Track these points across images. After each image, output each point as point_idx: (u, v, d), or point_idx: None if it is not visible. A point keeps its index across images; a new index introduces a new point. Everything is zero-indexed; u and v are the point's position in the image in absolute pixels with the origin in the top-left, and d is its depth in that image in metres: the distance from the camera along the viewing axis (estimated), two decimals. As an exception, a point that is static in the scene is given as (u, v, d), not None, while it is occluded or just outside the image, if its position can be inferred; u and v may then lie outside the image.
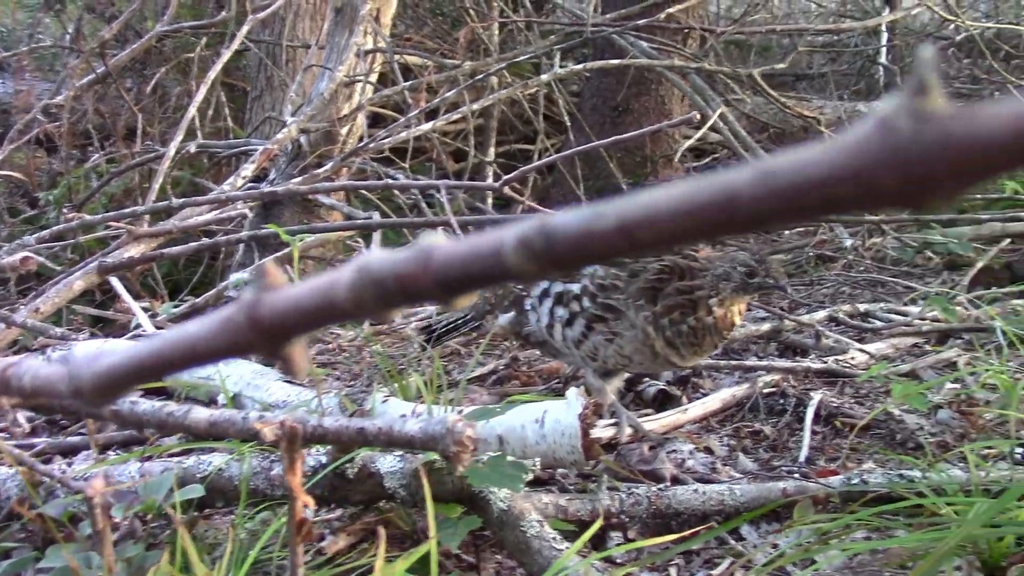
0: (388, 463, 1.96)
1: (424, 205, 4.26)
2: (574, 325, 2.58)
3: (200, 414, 1.27)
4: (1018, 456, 2.47)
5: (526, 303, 2.70)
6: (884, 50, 8.87)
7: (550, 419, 2.20)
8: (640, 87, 6.31)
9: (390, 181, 3.60)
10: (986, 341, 3.10)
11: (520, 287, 2.75)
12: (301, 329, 0.44)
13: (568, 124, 5.37)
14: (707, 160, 7.66)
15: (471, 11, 5.55)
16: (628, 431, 2.59)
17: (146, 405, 1.26)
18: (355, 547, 2.06)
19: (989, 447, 2.44)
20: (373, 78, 5.09)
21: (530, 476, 1.96)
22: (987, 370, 2.76)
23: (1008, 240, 4.19)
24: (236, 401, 2.67)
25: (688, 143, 4.70)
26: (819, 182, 0.33)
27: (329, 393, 2.48)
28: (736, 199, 0.34)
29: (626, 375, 2.79)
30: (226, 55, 4.52)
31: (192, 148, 4.17)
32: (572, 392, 2.21)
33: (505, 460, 1.88)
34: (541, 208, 3.12)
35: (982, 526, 1.95)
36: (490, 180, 4.98)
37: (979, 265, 3.82)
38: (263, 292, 0.44)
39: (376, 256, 0.42)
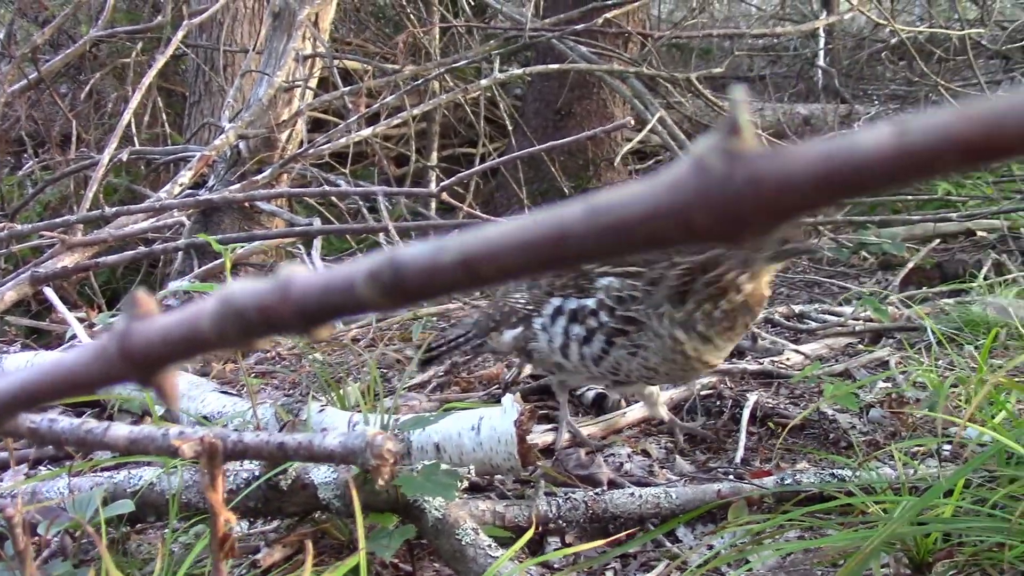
0: (322, 474, 1.95)
1: (365, 211, 4.23)
2: (593, 342, 2.51)
3: (119, 431, 1.25)
4: (946, 453, 2.52)
5: (535, 322, 2.65)
6: (822, 53, 9.02)
7: (486, 426, 2.20)
8: (582, 91, 6.34)
9: (327, 188, 3.58)
10: (917, 340, 3.17)
11: (527, 304, 2.72)
12: (170, 360, 0.43)
13: (510, 128, 5.37)
14: (651, 162, 7.73)
15: (411, 16, 5.54)
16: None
17: (64, 423, 1.23)
18: (290, 559, 2.04)
19: (919, 445, 2.49)
20: (313, 83, 5.06)
21: (464, 484, 1.96)
22: (917, 369, 2.82)
23: (938, 240, 4.28)
24: (171, 413, 2.63)
25: (627, 148, 4.74)
26: (642, 219, 0.34)
27: (265, 403, 2.46)
28: (567, 235, 0.35)
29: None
30: (161, 61, 4.45)
31: (124, 156, 4.10)
32: (508, 399, 2.22)
33: (439, 469, 1.88)
34: (481, 214, 3.12)
35: (908, 524, 1.99)
36: (432, 185, 4.96)
37: (909, 265, 3.90)
38: (133, 322, 0.44)
39: (239, 287, 0.42)
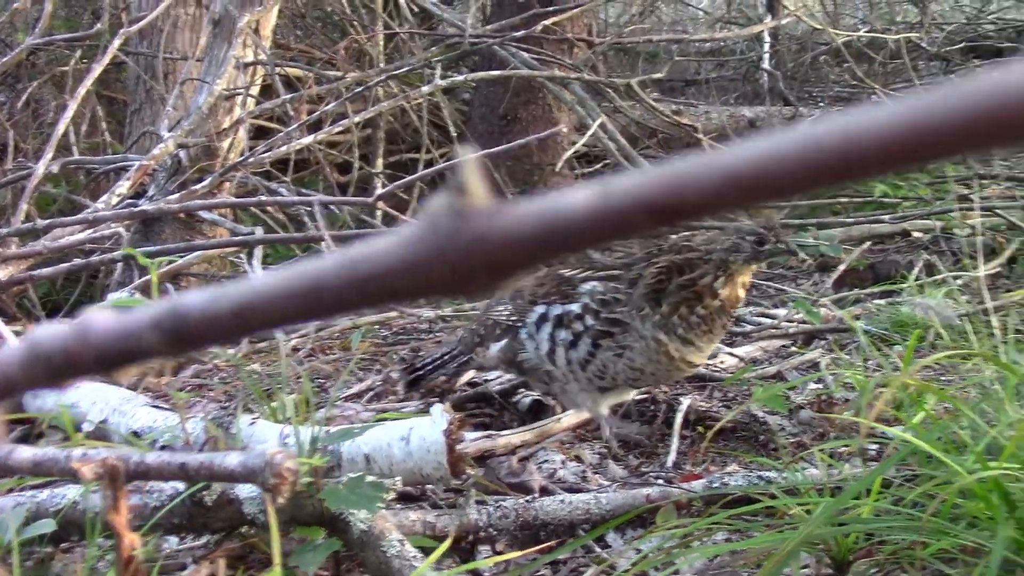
0: (247, 489, 1.94)
1: (308, 220, 4.22)
2: (579, 346, 2.54)
3: (23, 454, 1.24)
4: (873, 452, 2.58)
5: (521, 332, 2.66)
6: (767, 56, 9.13)
7: (416, 436, 2.21)
8: (528, 96, 6.37)
9: (263, 198, 3.56)
10: (848, 341, 3.23)
11: (511, 315, 2.73)
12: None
13: (455, 134, 5.38)
14: (599, 166, 7.78)
15: (354, 24, 5.53)
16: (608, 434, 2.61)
17: (-34, 446, 1.22)
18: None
19: (845, 446, 2.53)
20: (255, 91, 5.03)
21: (391, 495, 1.97)
22: (846, 370, 2.87)
23: (869, 243, 4.36)
24: (103, 428, 2.61)
25: (567, 154, 4.77)
26: (385, 273, 0.36)
27: (195, 418, 2.44)
28: (322, 288, 0.36)
29: (627, 395, 2.78)
30: (98, 69, 4.40)
31: (56, 167, 4.05)
32: (437, 408, 2.23)
33: (364, 481, 1.88)
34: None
35: (829, 524, 2.03)
36: (379, 192, 4.95)
37: (841, 268, 3.97)
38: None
39: (44, 332, 0.43)
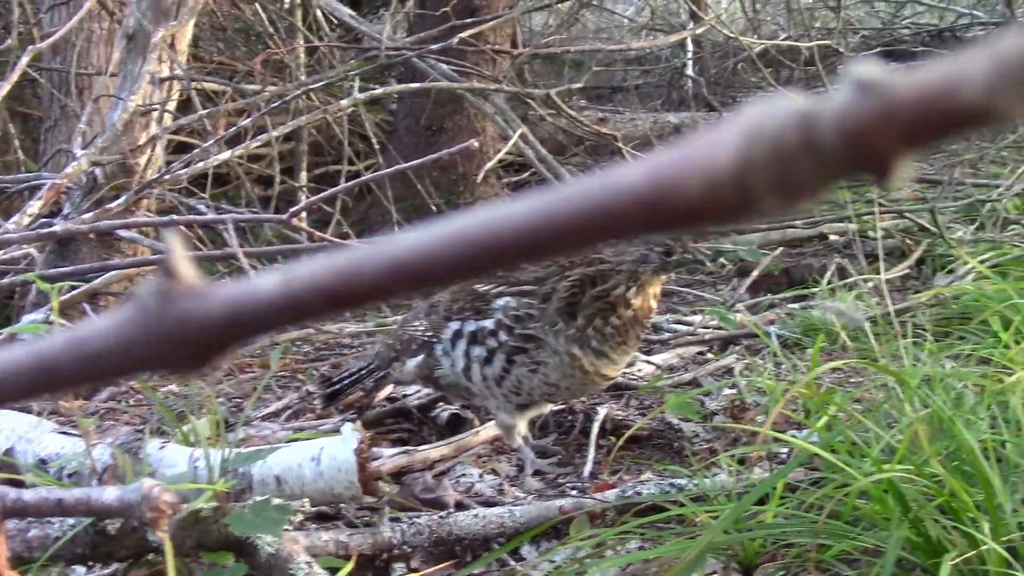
0: (152, 516, 1.92)
1: (226, 236, 4.16)
2: (494, 362, 2.53)
3: (-101, 493, 1.22)
4: (783, 456, 2.63)
5: (436, 347, 2.65)
6: (690, 62, 9.28)
7: (326, 456, 2.20)
8: (453, 106, 6.37)
9: (175, 216, 3.52)
10: (762, 347, 3.29)
11: (427, 331, 2.71)
12: None
13: (377, 146, 5.37)
14: (527, 175, 7.81)
15: (274, 37, 5.49)
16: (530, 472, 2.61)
17: None
18: (123, 605, 2.00)
19: (755, 451, 2.58)
20: (172, 106, 4.96)
21: (299, 517, 1.96)
22: (758, 376, 2.92)
23: (781, 248, 4.45)
24: (8, 457, 2.55)
25: (488, 165, 4.80)
26: (108, 352, 0.36)
27: (103, 443, 2.40)
28: (56, 367, 0.37)
29: (544, 408, 2.78)
30: (6, 87, 4.30)
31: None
32: (347, 427, 2.23)
33: (270, 504, 1.87)
34: (333, 239, 3.12)
35: (736, 529, 2.08)
36: (294, 208, 4.91)
37: (755, 273, 4.05)
38: None
39: None
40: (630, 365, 3.20)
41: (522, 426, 2.69)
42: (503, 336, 2.52)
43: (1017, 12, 8.13)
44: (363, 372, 2.87)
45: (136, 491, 1.10)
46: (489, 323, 2.54)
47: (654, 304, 2.58)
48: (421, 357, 2.68)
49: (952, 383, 2.64)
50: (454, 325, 2.60)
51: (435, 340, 2.64)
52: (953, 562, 1.78)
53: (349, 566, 1.77)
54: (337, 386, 2.89)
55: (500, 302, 2.55)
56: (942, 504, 1.95)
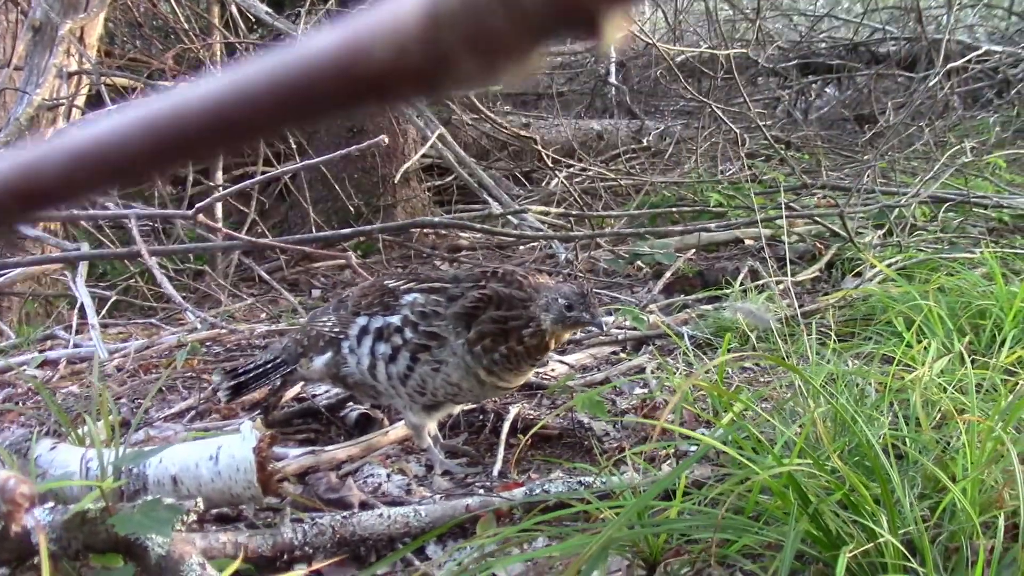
0: (37, 516, 1.84)
1: (136, 234, 4.05)
2: (398, 359, 2.48)
3: None
4: (692, 450, 2.64)
5: (343, 344, 2.58)
6: (613, 70, 9.35)
7: (225, 455, 2.14)
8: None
9: (75, 212, 3.41)
10: (675, 347, 3.31)
11: (334, 327, 2.64)
12: None
13: (295, 147, 5.29)
14: (450, 178, 7.78)
15: (189, 34, 5.37)
16: (439, 472, 2.57)
17: None
18: (6, 610, 1.92)
19: (663, 448, 2.59)
20: (81, 101, 4.82)
21: (192, 518, 1.90)
22: (670, 375, 2.94)
23: (694, 251, 4.50)
24: None
25: (406, 166, 4.75)
26: None
27: (-9, 444, 2.31)
28: None
29: (454, 409, 2.74)
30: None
31: None
32: (246, 425, 2.17)
33: (159, 504, 1.81)
34: (239, 236, 3.04)
35: (642, 525, 2.07)
36: (199, 204, 4.82)
37: (667, 275, 4.08)
38: None
39: None
40: (543, 365, 3.19)
41: (432, 426, 2.65)
42: (408, 333, 2.48)
43: (928, 28, 8.38)
44: (269, 366, 2.77)
45: (-7, 483, 1.05)
46: (396, 319, 2.49)
47: (553, 345, 2.55)
48: (329, 354, 2.62)
49: (856, 381, 2.68)
50: (361, 321, 2.55)
51: (342, 337, 2.59)
52: (851, 554, 1.80)
53: (235, 565, 1.72)
54: (242, 378, 2.78)
55: (408, 298, 2.51)
56: (842, 499, 1.96)
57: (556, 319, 2.43)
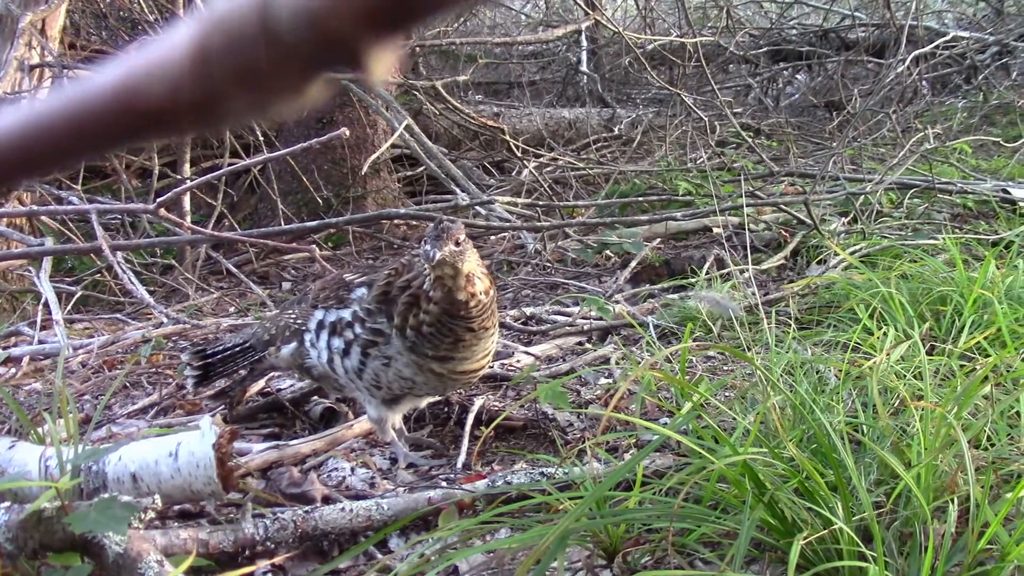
0: (-9, 518, 1.84)
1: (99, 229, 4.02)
2: (351, 354, 2.45)
3: None
4: (652, 439, 2.66)
5: (305, 337, 2.55)
6: (584, 58, 9.35)
7: (184, 451, 2.13)
8: (344, 98, 6.28)
9: (34, 207, 3.38)
10: (640, 336, 3.32)
11: (297, 319, 2.61)
12: None
13: (263, 139, 5.26)
14: (421, 169, 7.76)
15: (154, 25, 5.33)
16: (404, 466, 2.55)
17: None
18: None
19: (629, 437, 2.61)
20: (43, 94, 4.77)
21: (150, 515, 1.90)
22: (634, 365, 2.95)
23: (659, 240, 4.52)
24: None
25: (373, 157, 4.73)
26: None
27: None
28: None
29: (420, 402, 2.70)
30: None
31: None
32: (206, 420, 2.16)
33: (115, 502, 1.80)
34: (203, 231, 3.03)
35: (601, 515, 2.09)
36: (160, 198, 4.79)
37: (632, 264, 4.10)
38: None
39: None
40: (508, 356, 3.20)
41: (396, 419, 2.65)
42: (357, 328, 2.44)
43: (896, 14, 8.42)
44: (237, 349, 2.76)
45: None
46: (347, 313, 2.47)
47: (462, 298, 2.32)
48: (293, 345, 2.62)
49: (816, 368, 2.71)
50: (318, 314, 2.54)
51: (305, 329, 2.58)
52: (805, 541, 1.82)
53: (189, 561, 1.72)
54: (210, 359, 2.76)
55: (358, 292, 2.47)
56: (798, 486, 1.98)
57: (422, 256, 2.27)
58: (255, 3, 0.30)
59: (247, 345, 2.75)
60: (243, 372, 2.80)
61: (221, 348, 2.79)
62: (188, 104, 0.30)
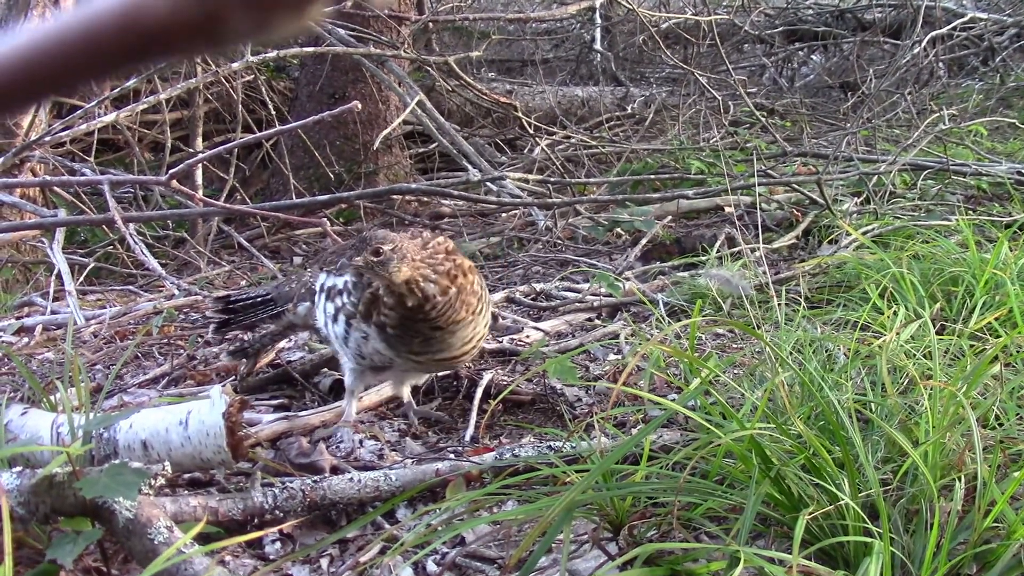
0: (4, 481, 1.86)
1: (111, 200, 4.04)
2: (339, 321, 2.44)
3: None
4: (658, 414, 2.66)
5: (316, 297, 2.55)
6: (599, 36, 9.30)
7: (195, 420, 2.15)
8: (356, 74, 6.28)
9: (47, 178, 3.40)
10: (650, 313, 3.33)
11: (312, 279, 2.61)
12: None
13: (275, 113, 5.26)
14: (434, 145, 7.75)
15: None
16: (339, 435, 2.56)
17: None
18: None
19: (637, 412, 2.61)
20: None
21: (160, 482, 1.92)
22: (643, 341, 2.95)
23: (670, 218, 4.51)
24: None
25: (385, 132, 4.72)
26: None
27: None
28: None
29: (419, 379, 2.69)
30: None
31: None
32: (216, 390, 2.17)
33: (126, 467, 1.82)
34: (215, 203, 3.04)
35: (607, 489, 2.10)
36: (172, 170, 4.80)
37: (643, 241, 4.09)
38: None
39: None
40: (519, 332, 3.21)
41: (404, 391, 2.67)
42: (346, 297, 2.43)
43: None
44: (259, 300, 2.79)
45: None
46: (340, 281, 2.45)
47: (413, 304, 2.29)
48: (307, 304, 2.65)
49: (826, 347, 2.71)
50: (322, 277, 2.56)
51: (316, 290, 2.61)
52: (811, 516, 1.82)
53: (199, 527, 1.74)
54: (234, 306, 2.80)
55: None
56: (804, 462, 1.99)
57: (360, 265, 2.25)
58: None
59: (269, 297, 2.79)
60: (265, 325, 2.83)
61: (245, 297, 2.84)
62: (189, 23, 0.30)
